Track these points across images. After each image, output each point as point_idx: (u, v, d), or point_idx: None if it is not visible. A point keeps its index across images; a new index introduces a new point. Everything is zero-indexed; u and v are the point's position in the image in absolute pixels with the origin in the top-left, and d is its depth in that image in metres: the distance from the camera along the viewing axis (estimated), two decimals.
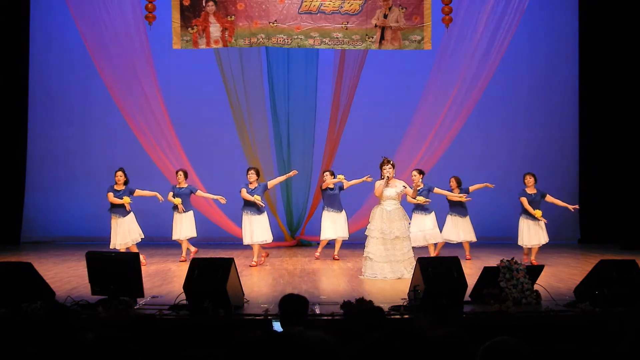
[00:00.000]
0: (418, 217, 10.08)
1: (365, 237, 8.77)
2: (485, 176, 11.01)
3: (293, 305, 4.11)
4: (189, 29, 10.65)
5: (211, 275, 6.19)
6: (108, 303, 6.16)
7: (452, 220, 10.40)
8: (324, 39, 10.75)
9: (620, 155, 12.28)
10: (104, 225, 10.15)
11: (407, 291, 6.69)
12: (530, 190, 9.85)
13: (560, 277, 8.40)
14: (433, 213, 10.18)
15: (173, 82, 12.18)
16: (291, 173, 10.45)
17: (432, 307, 4.29)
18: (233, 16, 10.70)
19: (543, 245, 9.86)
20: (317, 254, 10.48)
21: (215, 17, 10.68)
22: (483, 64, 10.84)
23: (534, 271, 6.78)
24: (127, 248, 9.63)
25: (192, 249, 10.28)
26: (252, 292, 7.29)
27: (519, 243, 9.96)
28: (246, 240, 9.84)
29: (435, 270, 6.44)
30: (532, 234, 9.82)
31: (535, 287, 6.67)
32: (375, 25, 10.78)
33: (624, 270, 6.53)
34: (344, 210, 10.57)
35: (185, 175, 10.36)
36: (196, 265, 6.37)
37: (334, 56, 11.76)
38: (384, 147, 10.56)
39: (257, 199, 9.71)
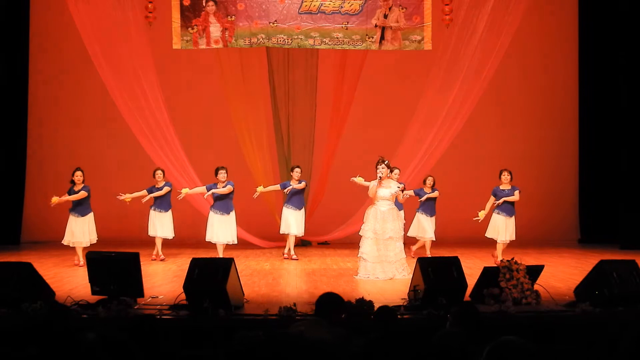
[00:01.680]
0: None
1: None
2: (483, 175, 10.99)
3: (330, 305, 4.22)
4: (189, 29, 10.65)
5: (211, 275, 6.19)
6: (108, 303, 6.16)
7: (417, 218, 10.58)
8: (324, 39, 10.75)
9: (621, 155, 12.26)
10: (104, 226, 10.18)
11: (407, 291, 6.70)
12: (504, 187, 9.97)
13: (560, 277, 8.40)
14: (402, 212, 10.23)
15: (173, 82, 12.17)
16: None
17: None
18: (233, 16, 10.69)
19: (543, 245, 9.86)
20: (294, 257, 10.47)
21: (215, 17, 10.68)
22: (483, 64, 10.82)
23: (534, 271, 6.78)
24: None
25: (161, 256, 10.24)
26: (252, 292, 7.29)
27: (486, 235, 10.06)
28: (207, 237, 10.03)
29: (435, 270, 6.45)
30: (503, 228, 9.89)
31: (535, 287, 6.68)
32: (376, 25, 10.77)
33: (624, 270, 6.53)
34: (303, 209, 10.73)
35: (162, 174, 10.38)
36: (196, 265, 6.37)
37: (334, 56, 11.75)
38: (384, 147, 10.56)
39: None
